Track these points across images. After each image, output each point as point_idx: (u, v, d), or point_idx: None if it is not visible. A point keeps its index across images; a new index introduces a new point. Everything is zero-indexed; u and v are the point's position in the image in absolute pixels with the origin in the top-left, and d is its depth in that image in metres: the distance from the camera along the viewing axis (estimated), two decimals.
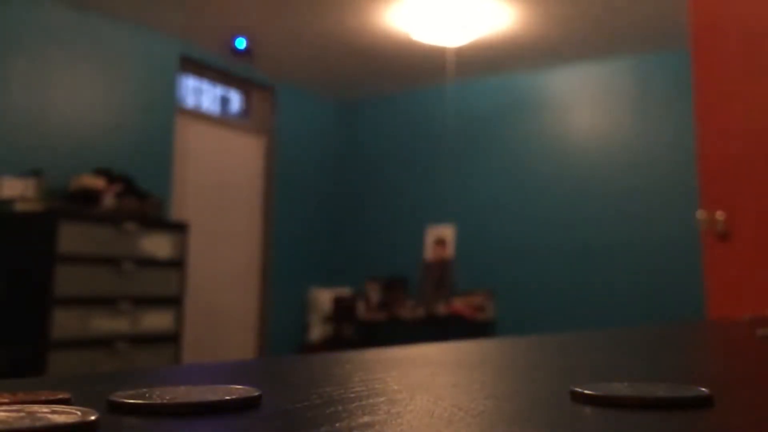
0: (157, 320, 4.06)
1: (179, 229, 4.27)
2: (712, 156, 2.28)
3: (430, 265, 5.88)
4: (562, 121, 5.56)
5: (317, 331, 5.97)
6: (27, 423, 0.23)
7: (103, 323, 3.78)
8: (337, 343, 5.83)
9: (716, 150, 2.28)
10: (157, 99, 5.03)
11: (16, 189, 3.87)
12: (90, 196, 4.10)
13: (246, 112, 5.94)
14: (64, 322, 3.59)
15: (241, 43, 4.77)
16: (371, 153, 6.46)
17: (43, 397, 0.29)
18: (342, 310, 5.82)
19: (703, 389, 0.31)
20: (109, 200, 4.13)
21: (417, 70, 5.79)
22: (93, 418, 0.24)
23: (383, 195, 6.33)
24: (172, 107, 5.12)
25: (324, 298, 6.00)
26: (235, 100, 5.87)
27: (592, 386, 0.32)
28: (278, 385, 0.36)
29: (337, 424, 0.26)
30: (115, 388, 0.35)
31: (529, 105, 5.73)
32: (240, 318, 5.61)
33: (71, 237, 3.66)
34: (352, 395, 0.33)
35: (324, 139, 6.53)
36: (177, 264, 4.22)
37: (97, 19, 4.69)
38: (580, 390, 0.31)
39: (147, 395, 0.29)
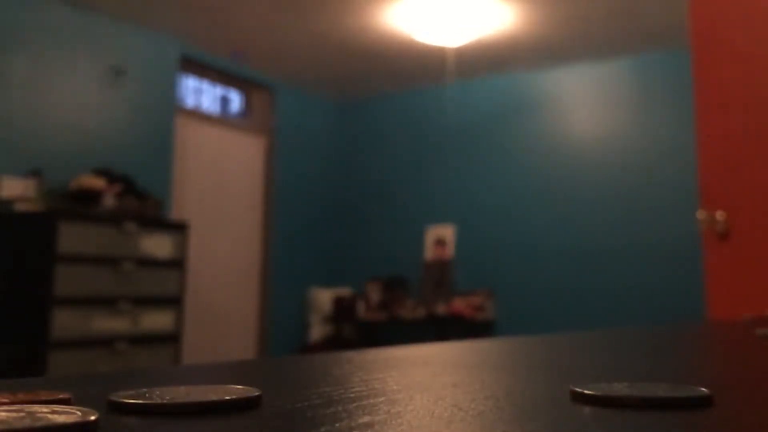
0: (157, 320, 4.06)
1: (179, 229, 4.27)
2: (712, 156, 2.28)
3: (430, 265, 5.88)
4: (562, 121, 5.56)
5: (317, 331, 5.97)
6: (27, 423, 0.23)
7: (103, 323, 3.78)
8: (337, 343, 5.83)
9: (716, 150, 2.28)
10: (157, 99, 5.03)
11: (16, 189, 3.87)
12: (90, 196, 4.10)
13: (246, 112, 5.94)
14: (64, 322, 3.59)
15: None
16: (371, 153, 6.46)
17: (43, 397, 0.29)
18: (342, 310, 5.82)
19: (703, 389, 0.31)
20: (109, 200, 4.13)
21: (417, 70, 5.79)
22: (93, 418, 0.24)
23: (383, 195, 6.33)
24: (172, 107, 5.12)
25: (324, 298, 6.00)
26: (235, 100, 5.87)
27: (592, 386, 0.32)
28: (278, 385, 0.36)
29: (337, 424, 0.26)
30: (115, 388, 0.35)
31: (529, 105, 5.73)
32: (240, 318, 5.61)
33: (71, 237, 3.66)
34: (352, 395, 0.33)
35: (324, 139, 6.53)
36: (177, 264, 4.22)
37: (97, 19, 4.69)
38: (580, 390, 0.31)
39: (147, 395, 0.29)
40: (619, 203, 5.27)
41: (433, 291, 5.79)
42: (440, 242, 5.89)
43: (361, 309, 5.88)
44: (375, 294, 5.92)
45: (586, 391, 0.30)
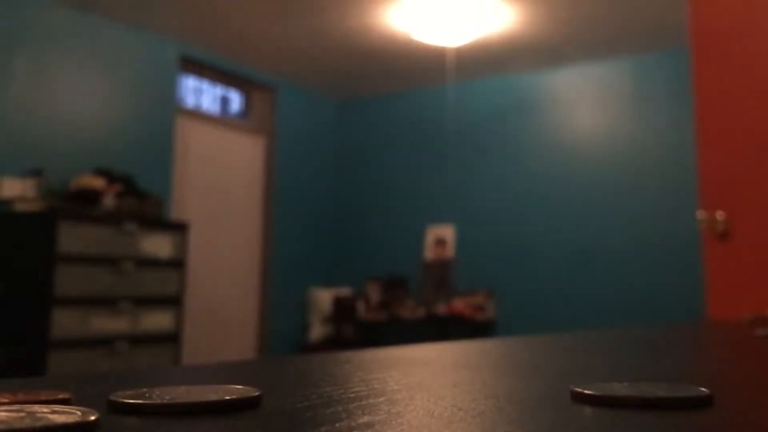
0: (157, 320, 4.06)
1: (179, 229, 4.27)
2: (712, 156, 2.28)
3: (430, 265, 5.88)
4: (562, 121, 5.56)
5: (317, 331, 5.97)
6: (27, 423, 0.23)
7: (103, 323, 3.78)
8: (337, 343, 5.83)
9: (716, 150, 2.28)
10: (157, 99, 5.03)
11: (16, 189, 3.87)
12: (90, 196, 4.10)
13: (246, 112, 5.94)
14: (64, 322, 3.59)
15: None
16: (371, 153, 6.46)
17: (43, 397, 0.29)
18: (342, 310, 5.82)
19: (703, 389, 0.31)
20: (109, 200, 4.13)
21: (417, 70, 5.79)
22: (93, 418, 0.24)
23: (383, 195, 6.33)
24: (172, 107, 5.12)
25: (324, 298, 6.00)
26: (235, 100, 5.87)
27: (592, 386, 0.32)
28: (278, 385, 0.36)
29: (337, 424, 0.26)
30: (115, 388, 0.35)
31: (529, 105, 5.73)
32: (240, 318, 5.61)
33: (71, 237, 3.66)
34: (352, 395, 0.33)
35: (324, 139, 6.53)
36: (177, 264, 4.22)
37: (97, 19, 4.69)
38: (580, 390, 0.31)
39: (147, 395, 0.29)
40: (619, 203, 5.27)
41: (433, 291, 5.79)
42: (440, 242, 5.89)
43: (361, 309, 5.88)
44: (375, 294, 5.92)
45: (586, 391, 0.30)
